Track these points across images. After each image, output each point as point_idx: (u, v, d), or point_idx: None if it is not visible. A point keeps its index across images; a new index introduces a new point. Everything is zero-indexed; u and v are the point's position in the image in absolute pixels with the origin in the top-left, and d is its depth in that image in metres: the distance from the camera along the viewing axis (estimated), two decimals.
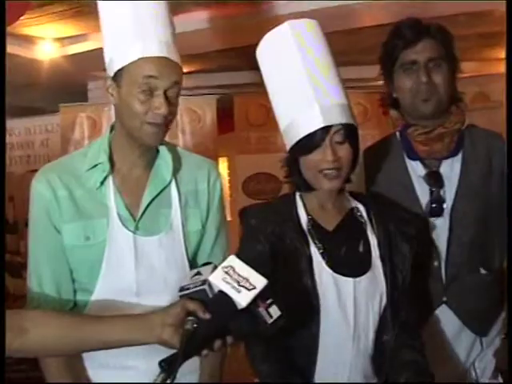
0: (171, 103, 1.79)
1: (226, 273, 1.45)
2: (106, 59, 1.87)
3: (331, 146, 1.77)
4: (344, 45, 5.31)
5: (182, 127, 5.55)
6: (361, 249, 1.85)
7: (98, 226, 1.84)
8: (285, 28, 1.88)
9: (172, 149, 1.98)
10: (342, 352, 1.79)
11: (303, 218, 1.87)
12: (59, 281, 1.87)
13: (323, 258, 1.80)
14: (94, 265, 1.84)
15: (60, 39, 5.58)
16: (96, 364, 1.89)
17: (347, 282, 1.78)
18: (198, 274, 1.53)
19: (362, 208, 1.91)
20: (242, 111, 5.69)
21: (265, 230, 1.83)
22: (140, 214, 1.88)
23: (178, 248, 1.91)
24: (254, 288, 1.42)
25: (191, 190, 1.96)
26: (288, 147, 1.87)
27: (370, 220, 1.89)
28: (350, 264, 1.82)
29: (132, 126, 1.81)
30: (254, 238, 1.83)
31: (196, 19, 4.82)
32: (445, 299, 2.14)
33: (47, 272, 1.87)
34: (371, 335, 1.81)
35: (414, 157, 2.19)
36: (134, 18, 1.81)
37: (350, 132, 1.80)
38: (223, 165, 7.08)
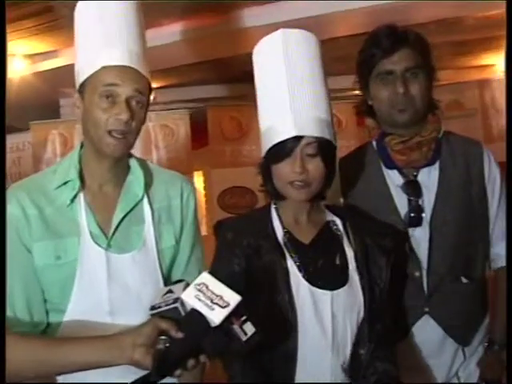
0: (134, 112, 1.77)
1: (199, 290, 1.44)
2: (75, 73, 1.85)
3: (301, 157, 1.76)
4: None
5: (156, 142, 5.53)
6: (337, 262, 1.83)
7: (69, 245, 1.81)
8: (277, 35, 1.88)
9: (143, 164, 1.96)
10: (320, 366, 1.77)
11: (279, 231, 1.85)
12: (31, 301, 1.82)
13: (300, 271, 1.79)
14: (65, 284, 1.80)
15: (31, 55, 5.54)
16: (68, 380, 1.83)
17: (324, 295, 1.76)
18: (170, 291, 1.51)
19: (338, 221, 1.90)
20: (215, 125, 5.68)
21: (240, 243, 1.81)
22: (112, 231, 1.85)
23: (151, 265, 1.88)
24: (228, 305, 1.41)
25: (164, 205, 1.94)
26: (263, 153, 1.86)
27: (347, 233, 1.88)
28: (327, 277, 1.80)
29: (96, 136, 1.79)
30: (229, 252, 1.81)
31: (167, 32, 4.81)
32: (427, 309, 2.11)
33: (18, 292, 1.82)
34: (349, 348, 1.79)
35: (391, 166, 2.18)
36: (101, 27, 1.79)
37: (324, 147, 1.78)
38: (199, 179, 7.06)
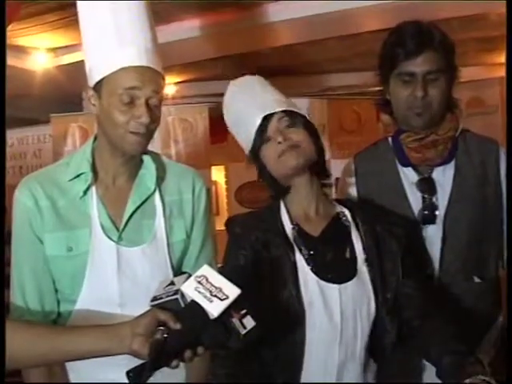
0: (153, 112, 1.78)
1: (199, 282, 1.45)
2: (86, 68, 1.85)
3: (279, 131, 1.86)
4: (339, 51, 5.31)
5: (175, 136, 5.55)
6: (347, 254, 1.84)
7: (80, 237, 1.83)
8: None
9: (156, 158, 1.96)
10: (328, 359, 1.77)
11: (288, 225, 1.87)
12: (42, 291, 1.86)
13: (308, 264, 1.79)
14: (76, 275, 1.82)
15: (53, 49, 5.58)
16: (81, 377, 1.87)
17: (333, 289, 1.77)
18: (172, 283, 1.52)
19: (347, 212, 1.91)
20: None
21: (249, 237, 1.83)
22: (123, 224, 1.86)
23: (161, 258, 1.89)
24: (227, 298, 1.42)
25: (175, 199, 1.95)
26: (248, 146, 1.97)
27: (356, 223, 1.89)
28: (336, 270, 1.80)
29: (114, 135, 1.80)
30: (238, 247, 1.84)
31: (187, 27, 4.84)
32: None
33: (30, 282, 1.85)
34: (360, 341, 1.78)
35: (406, 163, 2.16)
36: (114, 25, 1.79)
37: (293, 116, 1.89)
38: (220, 173, 7.07)
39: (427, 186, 2.11)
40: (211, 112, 5.65)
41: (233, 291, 1.42)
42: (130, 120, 1.76)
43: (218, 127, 5.86)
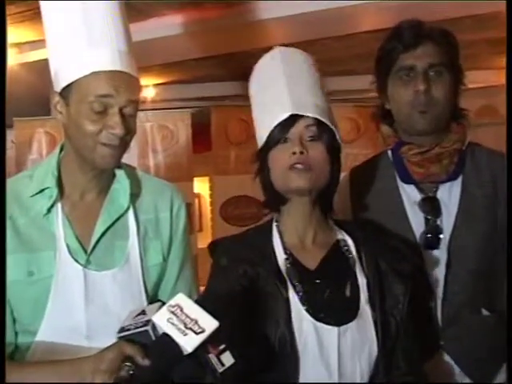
0: (128, 122, 1.77)
1: (172, 313, 1.43)
2: (51, 71, 1.83)
3: (300, 139, 1.79)
4: (336, 52, 5.33)
5: (153, 145, 5.58)
6: (347, 292, 1.79)
7: (43, 260, 1.81)
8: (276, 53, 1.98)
9: (130, 172, 1.96)
10: None
11: (280, 255, 1.83)
12: None
13: (303, 303, 1.75)
14: (37, 303, 1.80)
15: (17, 44, 5.54)
16: None
17: (331, 331, 1.72)
18: (143, 313, 1.52)
19: (349, 241, 1.87)
20: (220, 127, 5.72)
21: (236, 271, 1.78)
22: (92, 245, 1.85)
23: (135, 284, 1.87)
24: (203, 331, 1.40)
25: (151, 218, 1.94)
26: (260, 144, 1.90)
27: (359, 255, 1.84)
28: (335, 310, 1.76)
29: (84, 147, 1.78)
30: (223, 279, 1.79)
31: (168, 23, 4.83)
32: (441, 343, 2.08)
33: None
34: None
35: (407, 179, 2.16)
36: (83, 23, 1.78)
37: (323, 131, 1.82)
38: (204, 185, 7.06)
39: (431, 206, 2.11)
40: (194, 118, 5.65)
41: (210, 324, 1.41)
42: (102, 130, 1.75)
43: (201, 135, 5.93)
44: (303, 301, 1.76)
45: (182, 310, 1.43)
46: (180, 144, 5.62)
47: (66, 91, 1.78)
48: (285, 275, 1.79)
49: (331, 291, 1.79)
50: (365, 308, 1.77)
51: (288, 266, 1.81)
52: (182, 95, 6.53)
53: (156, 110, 5.84)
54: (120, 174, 1.91)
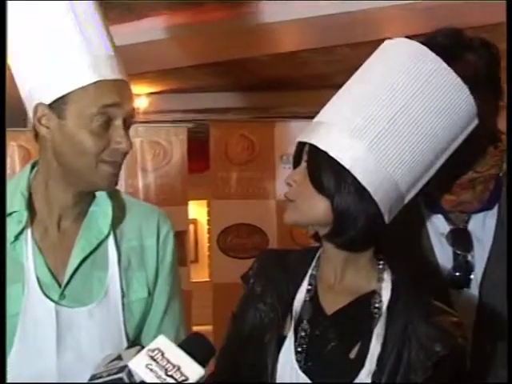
0: (129, 135, 1.79)
1: (152, 358, 1.41)
2: (26, 83, 1.83)
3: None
4: (354, 61, 5.31)
5: (143, 164, 5.59)
6: (353, 354, 1.72)
7: (9, 295, 1.78)
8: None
9: (113, 193, 1.94)
10: None
11: (304, 285, 1.82)
12: None
13: (297, 349, 1.73)
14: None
15: None
16: None
17: None
18: (119, 358, 1.49)
19: (386, 296, 1.77)
20: (219, 144, 5.73)
21: (254, 289, 1.85)
22: (67, 278, 1.83)
23: (114, 323, 1.86)
24: (186, 379, 1.38)
25: (135, 246, 1.94)
26: None
27: (390, 316, 1.75)
28: (329, 367, 1.71)
29: (82, 166, 1.78)
30: (245, 297, 1.87)
31: (164, 25, 4.83)
32: None
33: None
34: None
35: (435, 208, 2.14)
36: (75, 28, 1.78)
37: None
38: (201, 209, 7.03)
39: (461, 239, 2.09)
40: (190, 133, 5.65)
41: (194, 371, 1.39)
42: (106, 147, 1.75)
43: (198, 152, 5.92)
44: (301, 343, 1.74)
45: (163, 355, 1.40)
46: (174, 163, 5.61)
47: (59, 103, 1.77)
48: (295, 308, 1.78)
49: (335, 346, 1.74)
50: (365, 379, 1.69)
51: (306, 299, 1.80)
52: (177, 106, 6.53)
53: (147, 123, 5.82)
54: (101, 195, 1.91)
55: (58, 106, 1.77)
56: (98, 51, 1.78)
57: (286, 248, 2.03)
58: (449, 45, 2.02)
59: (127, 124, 1.79)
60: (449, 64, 1.96)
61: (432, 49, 2.01)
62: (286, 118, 5.95)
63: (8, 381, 1.76)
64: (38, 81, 1.81)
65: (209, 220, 6.30)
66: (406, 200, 1.79)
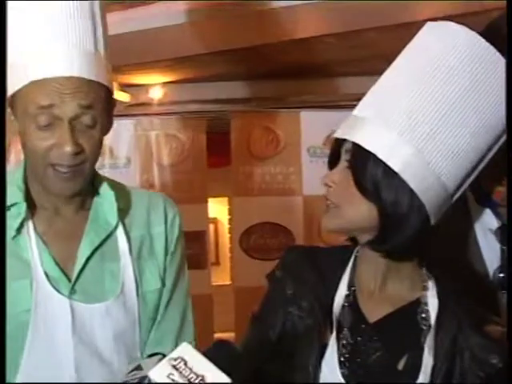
0: (85, 135, 1.78)
1: (174, 367, 1.41)
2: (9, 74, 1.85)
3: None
4: (382, 46, 5.29)
5: (159, 159, 5.57)
6: (401, 365, 1.72)
7: (17, 291, 1.82)
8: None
9: (113, 184, 1.99)
10: None
11: (342, 290, 1.80)
12: None
13: (340, 359, 1.72)
14: (12, 345, 1.80)
15: None
16: None
17: None
18: (138, 368, 1.51)
19: (433, 305, 1.77)
20: (241, 136, 5.72)
21: (283, 291, 1.83)
22: (77, 271, 1.86)
23: (129, 318, 1.91)
24: None
25: (144, 235, 2.00)
26: None
27: (438, 327, 1.74)
28: (375, 379, 1.71)
29: (36, 167, 1.82)
30: (272, 297, 1.86)
31: (180, 9, 4.81)
32: None
33: None
34: None
35: (485, 202, 2.11)
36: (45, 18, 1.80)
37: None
38: (221, 208, 7.02)
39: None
40: (210, 125, 5.63)
41: (219, 380, 1.39)
42: (52, 148, 1.76)
43: (218, 146, 5.89)
44: (343, 353, 1.73)
45: (186, 364, 1.41)
46: (192, 157, 5.62)
47: (13, 101, 1.82)
48: (335, 315, 1.76)
49: (381, 356, 1.73)
50: None
51: (345, 305, 1.78)
52: (194, 97, 6.49)
53: (163, 115, 5.80)
54: (103, 186, 1.95)
55: (12, 104, 1.83)
56: (50, 46, 1.78)
57: (314, 246, 2.01)
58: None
59: (83, 122, 1.77)
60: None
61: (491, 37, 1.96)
62: (313, 107, 5.91)
63: (22, 373, 1.82)
64: (10, 74, 1.84)
65: (230, 219, 6.30)
66: (454, 199, 1.77)
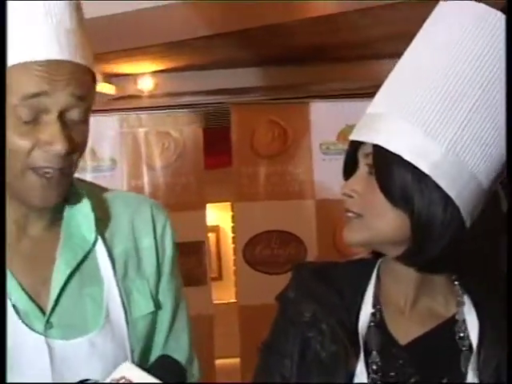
0: (75, 132, 1.72)
1: None
2: None
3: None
4: (407, 24, 5.32)
5: (149, 159, 5.56)
6: None
7: None
8: None
9: (88, 188, 1.93)
10: None
11: (366, 309, 1.80)
12: None
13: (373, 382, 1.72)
14: None
15: None
16: None
17: None
18: None
19: (472, 322, 1.78)
20: (243, 132, 5.71)
21: (300, 314, 1.81)
22: (52, 301, 1.80)
23: (118, 349, 1.85)
24: None
25: (129, 249, 1.92)
26: None
27: (479, 348, 1.75)
28: None
29: (10, 171, 1.72)
30: (285, 322, 1.84)
31: None
32: None
33: None
34: None
35: None
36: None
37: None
38: (223, 215, 7.02)
39: None
40: (207, 120, 5.62)
41: None
42: (34, 148, 1.69)
43: (217, 143, 5.90)
44: (374, 379, 1.73)
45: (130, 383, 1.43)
46: (187, 157, 5.61)
47: None
48: (362, 337, 1.76)
49: (417, 383, 1.73)
50: None
51: (371, 325, 1.78)
52: (189, 87, 6.51)
53: (152, 109, 5.80)
54: (74, 193, 1.87)
55: None
56: (25, 20, 1.70)
57: (326, 261, 2.01)
58: None
59: (73, 116, 1.71)
60: None
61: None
62: (325, 96, 5.91)
63: None
64: None
65: (233, 227, 6.29)
66: (486, 199, 1.77)
